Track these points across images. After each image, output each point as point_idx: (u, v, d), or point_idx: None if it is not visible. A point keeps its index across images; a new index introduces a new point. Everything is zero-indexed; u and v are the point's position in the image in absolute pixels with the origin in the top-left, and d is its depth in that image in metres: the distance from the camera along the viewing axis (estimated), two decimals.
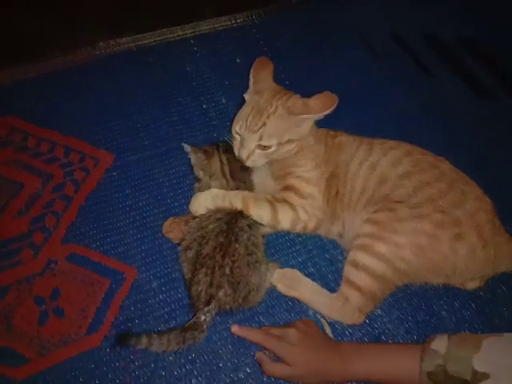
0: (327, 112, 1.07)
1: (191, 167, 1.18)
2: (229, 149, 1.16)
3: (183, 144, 1.16)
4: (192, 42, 1.67)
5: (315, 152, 1.15)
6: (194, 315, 0.98)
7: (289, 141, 1.10)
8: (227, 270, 0.97)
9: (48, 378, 0.99)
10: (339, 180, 1.13)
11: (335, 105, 1.06)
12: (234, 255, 0.98)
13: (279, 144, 1.09)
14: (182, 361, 1.02)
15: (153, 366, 1.02)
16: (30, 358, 1.01)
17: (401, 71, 1.65)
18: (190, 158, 1.17)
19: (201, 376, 1.01)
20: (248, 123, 1.09)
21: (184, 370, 1.02)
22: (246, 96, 1.17)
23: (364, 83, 1.58)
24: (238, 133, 1.12)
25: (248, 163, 1.12)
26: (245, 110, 1.13)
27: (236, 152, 1.13)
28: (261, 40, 1.69)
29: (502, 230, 1.07)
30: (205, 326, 0.97)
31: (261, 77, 1.16)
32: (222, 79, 1.55)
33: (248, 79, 1.17)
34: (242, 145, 1.11)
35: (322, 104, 1.07)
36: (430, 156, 1.13)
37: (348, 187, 1.11)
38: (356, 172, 1.11)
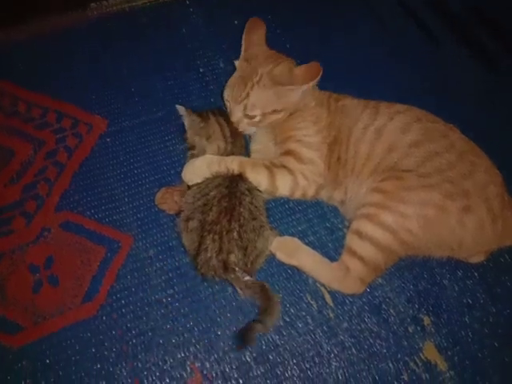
0: (312, 83, 1.07)
1: (184, 133, 1.14)
2: (223, 113, 1.14)
3: (177, 106, 1.11)
4: (188, 2, 1.59)
5: (316, 115, 1.11)
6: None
7: (274, 111, 1.10)
8: (235, 235, 0.95)
9: (44, 347, 0.98)
10: (342, 145, 1.09)
11: (319, 76, 1.06)
12: (239, 219, 0.96)
13: (264, 114, 1.10)
14: (180, 329, 1.01)
15: (150, 334, 1.00)
16: (26, 326, 1.00)
17: (407, 42, 1.57)
18: (183, 123, 1.12)
19: (199, 344, 1.00)
20: (234, 93, 1.10)
21: (182, 338, 1.00)
22: (237, 63, 1.17)
23: (370, 54, 1.51)
24: (227, 100, 1.14)
25: (240, 129, 1.13)
26: (233, 78, 1.15)
27: (230, 116, 1.14)
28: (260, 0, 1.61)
29: (511, 203, 1.03)
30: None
31: (253, 41, 1.15)
32: (220, 42, 1.49)
33: None
34: (231, 112, 1.12)
35: (306, 74, 1.07)
36: (440, 124, 1.08)
37: (351, 152, 1.07)
38: (360, 137, 1.07)
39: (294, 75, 1.09)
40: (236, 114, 1.11)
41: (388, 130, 1.05)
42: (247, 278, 0.96)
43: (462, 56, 1.55)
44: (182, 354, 0.99)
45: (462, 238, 0.98)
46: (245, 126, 1.13)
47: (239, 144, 1.13)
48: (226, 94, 1.14)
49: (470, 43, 1.58)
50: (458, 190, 0.97)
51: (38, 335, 0.99)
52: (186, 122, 1.11)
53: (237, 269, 0.95)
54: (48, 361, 0.96)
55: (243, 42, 1.15)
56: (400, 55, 1.52)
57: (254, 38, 1.15)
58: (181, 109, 1.11)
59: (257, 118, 1.11)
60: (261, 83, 1.09)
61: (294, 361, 1.00)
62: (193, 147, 1.10)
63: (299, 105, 1.13)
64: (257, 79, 1.09)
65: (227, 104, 1.15)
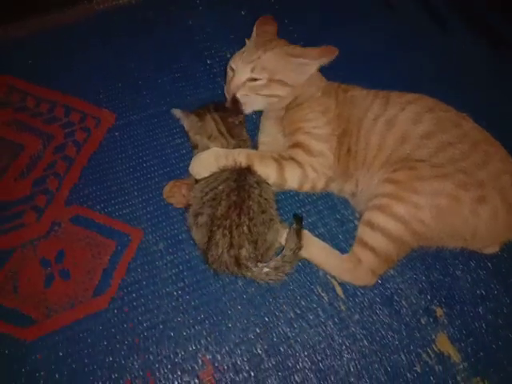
0: (324, 61, 1.08)
1: (186, 134, 1.13)
2: (219, 107, 1.12)
3: (172, 109, 1.10)
4: None
5: (324, 106, 1.10)
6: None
7: (280, 81, 1.09)
8: (245, 229, 0.94)
9: (57, 339, 0.99)
10: (351, 137, 1.07)
11: (334, 56, 1.06)
12: (249, 213, 0.94)
13: (270, 80, 1.09)
14: (191, 321, 1.01)
15: (161, 327, 1.01)
16: (38, 319, 1.00)
17: (415, 27, 1.55)
18: (182, 125, 1.12)
19: (210, 337, 1.00)
20: (244, 56, 1.10)
21: (193, 330, 1.01)
22: (248, 41, 1.17)
23: (378, 42, 1.48)
24: (232, 68, 1.12)
25: (238, 95, 1.10)
26: (243, 49, 1.15)
27: (226, 88, 1.13)
28: None
29: None
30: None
31: (265, 30, 1.15)
32: (227, 33, 1.47)
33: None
34: (236, 74, 1.11)
35: (320, 52, 1.08)
36: (452, 113, 1.06)
37: (362, 144, 1.05)
38: (370, 128, 1.05)
39: (307, 51, 1.10)
40: (241, 76, 1.09)
41: (399, 120, 1.03)
42: (266, 269, 0.95)
43: (469, 42, 1.52)
44: (194, 347, 0.99)
45: (475, 229, 0.97)
46: (245, 92, 1.10)
47: (242, 138, 1.11)
48: (233, 60, 1.12)
49: (485, 30, 1.55)
50: (472, 179, 0.95)
51: (50, 328, 0.99)
52: (185, 123, 1.10)
53: (249, 264, 0.94)
54: (61, 353, 0.97)
55: (255, 29, 1.16)
56: (409, 42, 1.50)
57: (267, 28, 1.16)
58: (177, 112, 1.09)
59: (261, 82, 1.09)
60: (274, 50, 1.09)
61: (306, 353, 0.99)
62: (196, 146, 1.09)
63: (305, 92, 1.12)
64: (271, 47, 1.10)
65: (229, 74, 1.13)
